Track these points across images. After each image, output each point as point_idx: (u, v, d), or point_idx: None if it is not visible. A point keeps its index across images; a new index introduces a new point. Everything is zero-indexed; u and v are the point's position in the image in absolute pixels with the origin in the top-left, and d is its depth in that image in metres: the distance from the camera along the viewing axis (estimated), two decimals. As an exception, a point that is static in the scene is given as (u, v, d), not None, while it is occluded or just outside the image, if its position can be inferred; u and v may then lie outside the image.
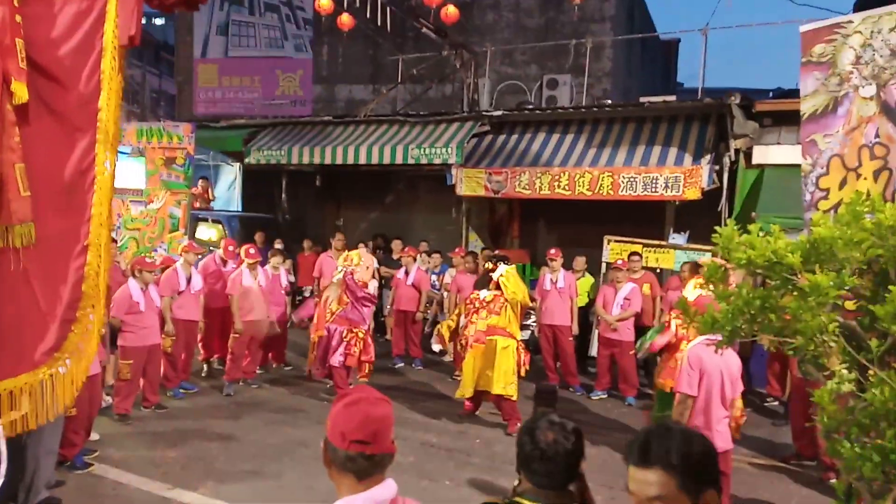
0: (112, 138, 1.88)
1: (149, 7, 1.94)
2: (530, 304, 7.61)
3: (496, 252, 7.58)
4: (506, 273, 6.91)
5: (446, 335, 7.37)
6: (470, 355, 6.83)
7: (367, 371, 7.45)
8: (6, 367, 1.78)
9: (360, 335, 7.33)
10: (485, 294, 7.01)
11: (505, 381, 6.64)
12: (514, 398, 6.72)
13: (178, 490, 5.07)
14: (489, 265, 7.19)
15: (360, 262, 7.52)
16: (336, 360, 7.22)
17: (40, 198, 1.79)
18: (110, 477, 5.27)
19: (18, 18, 1.70)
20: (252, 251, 8.11)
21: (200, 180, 13.42)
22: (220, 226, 11.91)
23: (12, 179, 1.71)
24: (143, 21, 2.04)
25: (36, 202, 1.77)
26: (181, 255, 7.71)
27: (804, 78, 5.16)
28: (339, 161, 11.50)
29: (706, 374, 4.30)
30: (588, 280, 9.27)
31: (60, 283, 1.83)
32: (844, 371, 2.52)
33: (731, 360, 4.39)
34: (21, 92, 1.71)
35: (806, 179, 5.07)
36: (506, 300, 6.82)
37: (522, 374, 6.94)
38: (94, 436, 5.86)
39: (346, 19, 12.55)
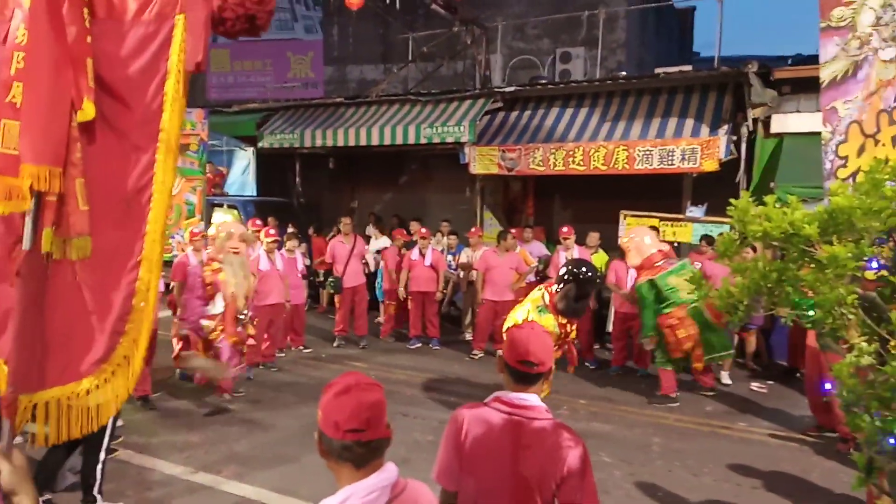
0: (172, 157, 1.94)
1: (213, 33, 1.95)
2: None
3: None
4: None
5: None
6: None
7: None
8: (53, 376, 1.82)
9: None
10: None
11: None
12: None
13: (201, 474, 5.15)
14: None
15: (228, 237, 6.49)
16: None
17: (98, 212, 1.84)
18: (135, 462, 5.36)
19: (89, 39, 1.78)
20: (272, 231, 8.11)
21: (207, 165, 13.46)
22: (235, 211, 11.96)
23: (72, 193, 1.77)
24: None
25: (93, 216, 1.83)
26: (190, 243, 7.71)
27: (824, 44, 5.01)
28: (351, 143, 11.47)
29: None
30: (602, 256, 9.18)
31: (113, 295, 1.87)
32: (864, 344, 2.46)
33: None
34: (89, 109, 1.78)
35: (826, 148, 4.96)
36: None
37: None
38: (119, 422, 5.96)
39: (354, -2, 12.43)
